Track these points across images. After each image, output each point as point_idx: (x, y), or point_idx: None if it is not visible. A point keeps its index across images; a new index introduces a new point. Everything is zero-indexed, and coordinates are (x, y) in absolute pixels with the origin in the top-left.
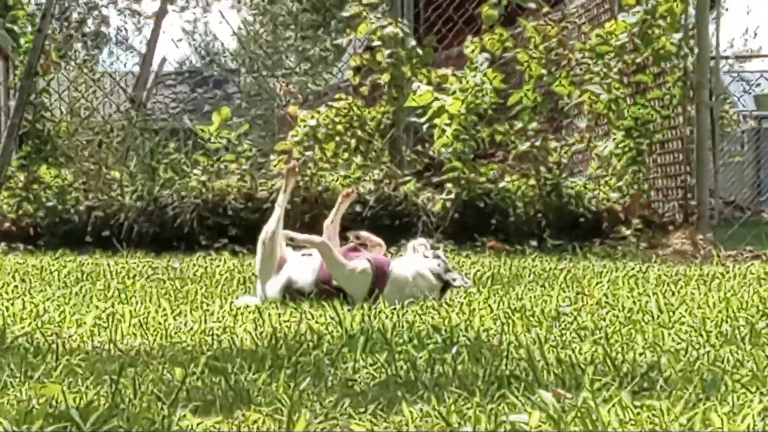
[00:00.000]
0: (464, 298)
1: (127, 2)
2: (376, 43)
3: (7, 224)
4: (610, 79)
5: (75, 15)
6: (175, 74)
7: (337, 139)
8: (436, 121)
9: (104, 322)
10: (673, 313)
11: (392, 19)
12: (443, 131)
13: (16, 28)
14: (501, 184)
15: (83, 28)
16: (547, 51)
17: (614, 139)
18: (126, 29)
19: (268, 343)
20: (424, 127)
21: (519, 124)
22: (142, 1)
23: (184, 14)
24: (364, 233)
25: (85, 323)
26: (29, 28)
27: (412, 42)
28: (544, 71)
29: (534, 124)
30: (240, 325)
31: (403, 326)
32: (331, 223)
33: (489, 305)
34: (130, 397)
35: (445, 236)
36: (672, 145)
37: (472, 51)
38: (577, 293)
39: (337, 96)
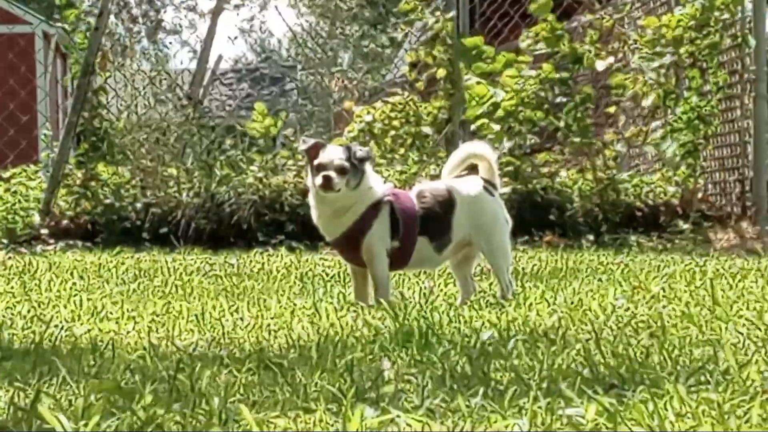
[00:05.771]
0: (520, 292)
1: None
2: (431, 38)
3: (65, 221)
4: (665, 70)
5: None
6: (231, 71)
7: (393, 134)
8: (494, 115)
9: (161, 318)
10: (731, 306)
11: (447, 13)
12: (489, 126)
13: (67, 26)
14: (557, 179)
15: (138, 26)
16: (602, 43)
17: (670, 130)
18: (181, 26)
19: (324, 339)
20: (473, 126)
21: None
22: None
23: (240, 12)
24: None
25: (142, 320)
26: (83, 27)
27: (467, 37)
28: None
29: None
30: (297, 321)
31: (459, 321)
32: None
33: (545, 299)
34: (187, 393)
35: None
36: (729, 138)
37: (529, 45)
38: (634, 287)
39: (392, 91)
